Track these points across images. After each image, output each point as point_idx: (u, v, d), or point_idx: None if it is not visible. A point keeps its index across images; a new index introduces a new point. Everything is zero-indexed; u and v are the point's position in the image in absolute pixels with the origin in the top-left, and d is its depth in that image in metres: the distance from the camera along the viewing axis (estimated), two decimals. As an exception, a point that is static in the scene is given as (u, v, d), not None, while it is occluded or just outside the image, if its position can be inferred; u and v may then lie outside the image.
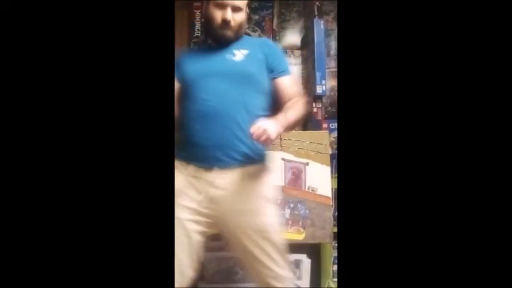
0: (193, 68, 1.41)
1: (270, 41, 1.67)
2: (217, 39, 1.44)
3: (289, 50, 2.35)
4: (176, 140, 1.22)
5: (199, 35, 2.21)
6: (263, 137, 1.16)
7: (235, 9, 1.41)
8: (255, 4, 2.32)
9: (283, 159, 1.96)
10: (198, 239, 1.34)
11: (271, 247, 1.33)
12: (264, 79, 1.43)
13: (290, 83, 1.47)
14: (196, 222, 1.33)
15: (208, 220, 1.34)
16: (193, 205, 1.32)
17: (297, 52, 2.36)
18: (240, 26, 1.44)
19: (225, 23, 1.40)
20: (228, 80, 1.35)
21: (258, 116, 1.30)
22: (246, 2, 1.45)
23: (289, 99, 1.42)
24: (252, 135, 1.17)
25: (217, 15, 1.41)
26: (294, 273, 1.92)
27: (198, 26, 2.21)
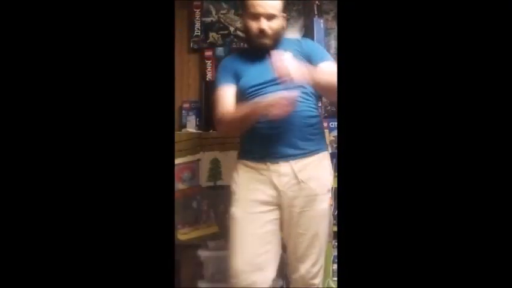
0: (248, 77, 1.50)
1: (308, 40, 1.75)
2: (258, 49, 1.51)
3: (289, 49, 2.35)
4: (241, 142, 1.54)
5: (199, 34, 2.21)
6: (285, 78, 1.25)
7: (270, 16, 1.46)
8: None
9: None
10: (272, 228, 1.45)
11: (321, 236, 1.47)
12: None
13: (328, 70, 1.46)
14: (267, 212, 1.44)
15: (275, 208, 1.46)
16: (263, 197, 1.44)
17: (297, 51, 2.36)
18: (278, 32, 1.50)
19: (262, 32, 1.46)
20: (279, 85, 1.38)
21: (311, 113, 1.48)
22: (280, 7, 1.50)
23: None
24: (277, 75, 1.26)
25: (253, 25, 1.47)
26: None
27: (198, 25, 2.21)
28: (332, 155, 1.93)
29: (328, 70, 1.45)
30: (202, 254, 1.92)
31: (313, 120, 1.51)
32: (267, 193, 1.44)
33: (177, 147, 1.92)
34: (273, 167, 1.43)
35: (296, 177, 1.44)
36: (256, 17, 1.46)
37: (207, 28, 2.21)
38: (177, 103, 2.12)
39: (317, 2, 2.10)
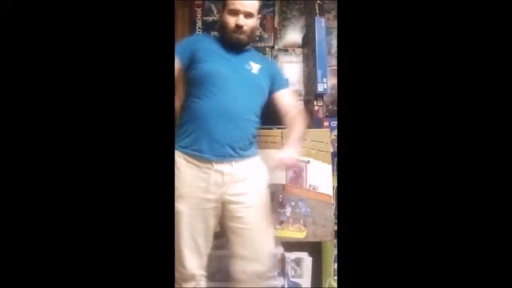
0: (213, 63, 1.53)
1: (272, 63, 1.94)
2: (232, 44, 1.58)
3: (290, 48, 2.35)
4: (179, 132, 1.53)
5: (201, 33, 2.21)
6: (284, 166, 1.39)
7: (248, 15, 1.55)
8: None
9: (284, 157, 1.96)
10: (214, 222, 1.53)
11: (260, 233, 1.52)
12: (266, 93, 1.63)
13: (289, 95, 1.69)
14: (209, 208, 1.49)
15: (217, 205, 1.51)
16: (205, 194, 1.48)
17: (298, 50, 2.36)
18: (253, 30, 1.60)
19: (238, 28, 1.54)
20: (245, 87, 1.53)
21: (257, 122, 1.58)
22: (257, 7, 1.59)
23: (289, 111, 1.64)
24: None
25: (231, 21, 1.55)
26: (295, 271, 1.92)
27: (199, 24, 2.21)
28: (332, 154, 1.94)
29: (297, 123, 1.60)
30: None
31: (255, 129, 1.60)
32: (210, 190, 1.48)
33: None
34: (217, 166, 1.47)
35: (235, 175, 1.50)
36: (235, 13, 1.54)
37: (208, 27, 2.22)
38: (178, 102, 2.12)
39: (318, 1, 2.10)
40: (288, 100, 1.67)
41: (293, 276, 1.92)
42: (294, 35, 2.39)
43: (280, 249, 1.89)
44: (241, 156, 1.51)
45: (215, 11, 2.25)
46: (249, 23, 1.56)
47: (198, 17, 2.22)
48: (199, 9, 2.22)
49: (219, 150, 1.47)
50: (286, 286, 1.90)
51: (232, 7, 1.55)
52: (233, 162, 1.49)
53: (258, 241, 1.52)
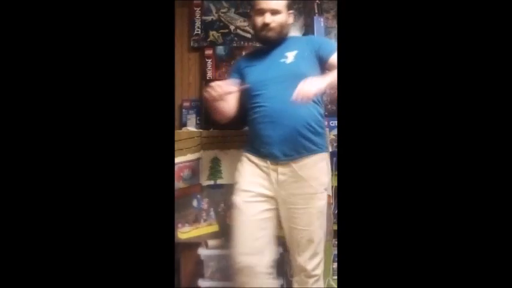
0: (253, 75, 1.60)
1: (313, 37, 1.92)
2: (263, 42, 1.64)
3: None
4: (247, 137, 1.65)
5: (200, 33, 2.21)
6: (302, 98, 1.34)
7: (274, 12, 1.58)
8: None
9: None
10: (267, 216, 1.55)
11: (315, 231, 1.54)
12: (314, 73, 1.53)
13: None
14: (263, 202, 1.54)
15: (271, 201, 1.55)
16: (261, 190, 1.54)
17: (297, 50, 2.35)
18: (282, 26, 1.61)
19: (265, 25, 1.57)
20: (284, 83, 1.50)
21: (315, 112, 1.55)
22: (284, 3, 1.61)
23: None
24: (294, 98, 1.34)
25: (258, 20, 1.59)
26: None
27: (198, 24, 2.21)
28: (332, 154, 1.94)
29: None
30: (203, 252, 1.92)
31: (317, 123, 1.57)
32: (265, 186, 1.54)
33: (177, 145, 1.92)
34: (273, 166, 1.52)
35: (293, 176, 1.52)
36: (262, 12, 1.57)
37: (207, 27, 2.22)
38: (178, 102, 2.12)
39: (317, 0, 2.10)
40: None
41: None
42: (293, 34, 2.38)
43: (279, 249, 1.89)
44: (300, 155, 1.51)
45: (214, 11, 2.25)
46: (276, 20, 1.58)
47: (197, 17, 2.21)
48: (198, 8, 2.21)
49: (269, 152, 1.51)
50: (285, 286, 1.90)
51: (258, 7, 1.59)
52: (290, 162, 1.51)
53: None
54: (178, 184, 1.95)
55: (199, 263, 1.94)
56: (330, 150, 1.94)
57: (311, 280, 1.57)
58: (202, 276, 1.93)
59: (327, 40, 1.76)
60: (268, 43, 1.63)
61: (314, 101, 1.54)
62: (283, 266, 1.92)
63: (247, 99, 1.61)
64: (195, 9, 2.22)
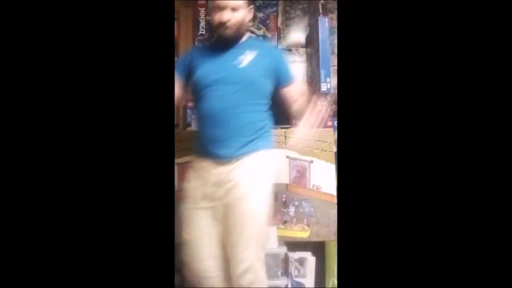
0: (202, 73, 1.54)
1: (275, 50, 1.80)
2: (219, 39, 1.57)
3: (293, 47, 2.35)
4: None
5: (204, 33, 2.21)
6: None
7: (233, 9, 1.50)
8: (260, 2, 2.32)
9: (287, 157, 1.96)
10: (209, 223, 1.48)
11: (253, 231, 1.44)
12: (266, 85, 1.55)
13: (296, 88, 1.62)
14: (206, 208, 1.48)
15: (215, 205, 1.48)
16: (203, 193, 1.48)
17: (302, 50, 2.36)
18: (240, 24, 1.53)
19: (223, 24, 1.51)
20: (232, 85, 1.48)
21: (259, 116, 1.51)
22: (244, 1, 1.53)
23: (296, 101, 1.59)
24: None
25: (216, 16, 1.53)
26: (299, 271, 1.92)
27: (202, 23, 2.21)
28: (336, 154, 1.94)
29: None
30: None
31: (258, 124, 1.52)
32: (208, 190, 1.48)
33: (181, 145, 1.92)
34: (216, 166, 1.47)
35: (234, 176, 1.46)
36: (219, 9, 1.51)
37: (211, 27, 2.22)
38: (182, 102, 2.12)
39: (322, 0, 2.10)
40: (294, 95, 1.60)
41: (296, 276, 1.92)
42: (297, 34, 2.38)
43: (284, 249, 1.89)
44: (238, 156, 1.47)
45: (218, 11, 2.25)
46: (235, 17, 1.51)
47: (202, 17, 2.22)
48: (203, 8, 2.22)
49: (211, 151, 1.48)
50: (289, 286, 1.90)
51: (215, 4, 1.52)
52: (230, 163, 1.46)
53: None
54: (183, 184, 1.95)
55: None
56: (335, 150, 1.94)
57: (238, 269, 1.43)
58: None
59: (287, 67, 1.64)
60: (224, 42, 1.55)
61: (258, 103, 1.53)
62: (287, 266, 1.92)
63: (193, 94, 1.57)
64: (200, 9, 2.22)
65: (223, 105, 1.47)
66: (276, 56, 1.63)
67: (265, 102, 1.56)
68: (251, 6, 1.60)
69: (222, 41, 1.55)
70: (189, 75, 1.57)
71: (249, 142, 1.49)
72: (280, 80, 1.58)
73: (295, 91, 1.61)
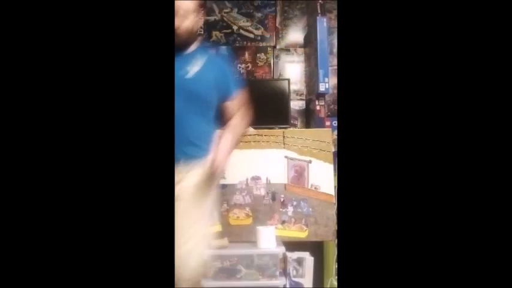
0: None
1: (220, 61, 1.68)
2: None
3: (292, 47, 2.36)
4: None
5: (203, 33, 2.22)
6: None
7: (183, 15, 1.40)
8: (258, 2, 2.32)
9: (286, 157, 1.96)
10: None
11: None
12: (211, 97, 1.48)
13: (234, 105, 1.53)
14: None
15: None
16: None
17: (300, 50, 2.37)
18: (189, 31, 1.44)
19: None
20: (179, 97, 1.37)
21: (206, 126, 1.47)
22: (191, 6, 1.44)
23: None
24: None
25: None
26: (297, 270, 1.92)
27: (201, 24, 2.21)
28: (334, 154, 1.94)
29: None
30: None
31: (198, 135, 1.48)
32: None
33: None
34: None
35: None
36: None
37: (210, 27, 2.22)
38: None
39: (320, 1, 2.10)
40: (232, 109, 1.53)
41: (295, 276, 1.93)
42: (295, 34, 2.39)
43: (282, 249, 1.89)
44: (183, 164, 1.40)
45: (217, 11, 2.26)
46: (184, 25, 1.40)
47: (200, 17, 2.22)
48: (201, 8, 2.22)
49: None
50: (288, 286, 1.91)
51: None
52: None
53: None
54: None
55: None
56: (333, 150, 1.95)
57: None
58: (205, 276, 1.94)
59: (229, 77, 1.58)
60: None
61: (201, 113, 1.47)
62: (285, 266, 1.92)
63: None
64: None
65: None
66: (223, 67, 1.58)
67: (210, 113, 1.51)
68: (202, 11, 1.52)
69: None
70: None
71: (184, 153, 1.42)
72: (224, 92, 1.51)
73: (235, 104, 1.54)
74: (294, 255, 1.93)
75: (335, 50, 2.27)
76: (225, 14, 2.25)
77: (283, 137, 1.95)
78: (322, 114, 2.11)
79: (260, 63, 2.38)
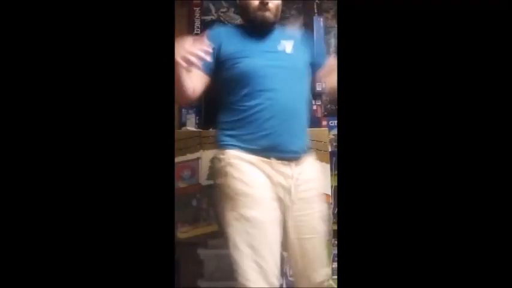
0: (248, 59, 1.38)
1: (307, 37, 1.69)
2: (257, 22, 1.42)
3: (288, 47, 2.35)
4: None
5: (199, 32, 2.21)
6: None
7: None
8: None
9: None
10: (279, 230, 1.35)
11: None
12: (305, 73, 1.47)
13: (328, 70, 1.49)
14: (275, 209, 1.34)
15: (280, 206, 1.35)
16: (273, 195, 1.34)
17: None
18: (278, 8, 1.44)
19: (263, 4, 1.39)
20: (289, 75, 1.37)
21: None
22: None
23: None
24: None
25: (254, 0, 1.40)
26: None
27: (197, 23, 2.21)
28: (331, 154, 1.94)
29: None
30: (202, 252, 1.92)
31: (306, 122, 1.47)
32: (274, 191, 1.35)
33: (177, 145, 1.92)
34: (280, 168, 1.35)
35: (300, 176, 1.37)
36: None
37: (206, 27, 2.21)
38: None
39: (317, 0, 2.10)
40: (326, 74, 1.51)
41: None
42: (292, 33, 2.38)
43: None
44: (301, 157, 1.38)
45: (213, 11, 2.25)
46: (274, 1, 1.40)
47: (197, 17, 2.22)
48: (198, 8, 2.22)
49: (281, 149, 1.35)
50: (284, 286, 1.90)
51: None
52: (293, 164, 1.35)
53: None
54: (178, 184, 1.95)
55: (198, 263, 1.94)
56: (330, 149, 1.95)
57: None
58: (201, 276, 1.93)
59: (321, 49, 1.63)
60: (263, 26, 1.42)
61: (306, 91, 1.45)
62: (282, 266, 1.92)
63: (234, 84, 1.37)
64: (195, 9, 2.22)
65: (285, 100, 1.34)
66: (308, 39, 1.60)
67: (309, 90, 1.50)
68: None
69: (260, 25, 1.42)
70: (221, 62, 1.40)
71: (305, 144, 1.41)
72: (315, 64, 1.51)
73: (329, 67, 1.49)
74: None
75: (332, 49, 2.27)
76: (222, 14, 2.24)
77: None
78: (318, 114, 2.11)
79: (257, 63, 2.36)
